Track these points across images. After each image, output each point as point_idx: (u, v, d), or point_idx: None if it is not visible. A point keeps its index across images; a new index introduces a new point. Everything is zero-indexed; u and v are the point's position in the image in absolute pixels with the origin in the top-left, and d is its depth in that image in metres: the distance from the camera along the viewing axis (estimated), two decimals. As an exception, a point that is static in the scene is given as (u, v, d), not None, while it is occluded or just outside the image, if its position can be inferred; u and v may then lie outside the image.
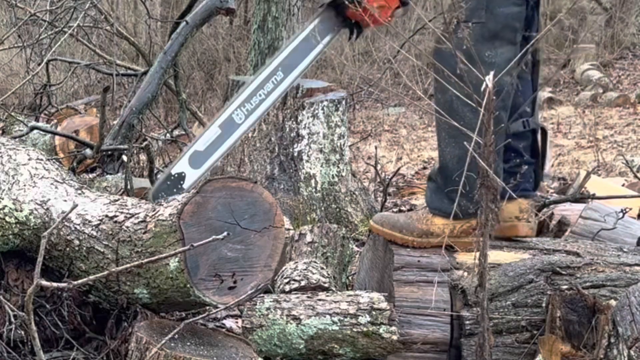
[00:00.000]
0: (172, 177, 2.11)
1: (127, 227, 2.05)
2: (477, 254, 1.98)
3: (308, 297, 2.28)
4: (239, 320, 2.26)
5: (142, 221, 2.01)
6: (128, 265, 1.88)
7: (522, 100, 2.45)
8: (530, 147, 2.53)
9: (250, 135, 4.28)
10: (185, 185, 2.11)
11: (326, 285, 2.57)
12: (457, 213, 2.41)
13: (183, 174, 2.09)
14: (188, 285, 1.86)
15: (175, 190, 2.11)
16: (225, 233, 1.78)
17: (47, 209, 2.40)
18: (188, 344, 1.84)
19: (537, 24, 2.49)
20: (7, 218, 2.31)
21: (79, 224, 2.29)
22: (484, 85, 1.86)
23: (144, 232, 1.97)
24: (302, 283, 2.56)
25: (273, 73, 2.28)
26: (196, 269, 1.86)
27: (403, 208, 4.78)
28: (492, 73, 1.87)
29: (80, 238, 2.26)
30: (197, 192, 1.90)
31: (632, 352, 1.73)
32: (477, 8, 2.33)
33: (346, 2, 2.37)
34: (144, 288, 2.03)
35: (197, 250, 1.83)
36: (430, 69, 2.38)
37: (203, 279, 1.87)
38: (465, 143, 2.36)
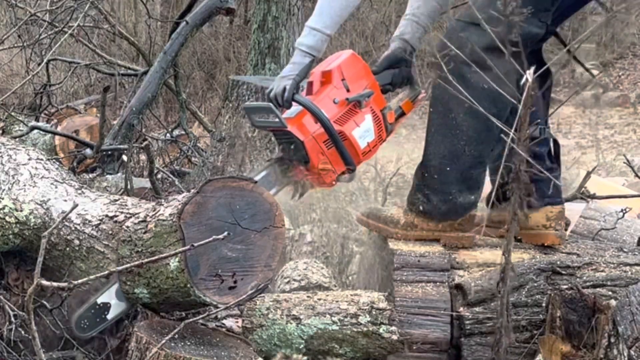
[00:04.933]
0: (97, 306, 2.13)
1: (128, 226, 2.05)
2: (502, 248, 1.98)
3: (308, 296, 2.28)
4: (239, 320, 2.26)
5: (142, 221, 2.01)
6: (128, 265, 1.88)
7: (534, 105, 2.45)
8: (549, 154, 2.53)
9: (250, 135, 4.28)
10: (110, 315, 2.14)
11: (326, 285, 2.57)
12: (429, 211, 2.43)
13: (108, 305, 2.12)
14: (188, 285, 1.86)
15: (98, 320, 2.14)
16: (225, 233, 1.78)
17: (47, 208, 2.41)
18: (188, 343, 1.84)
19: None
20: (7, 218, 2.31)
21: (79, 224, 2.29)
22: (523, 79, 1.85)
23: (145, 232, 1.97)
24: (302, 283, 2.56)
25: None
26: (196, 268, 1.86)
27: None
28: (532, 68, 1.86)
29: (81, 238, 2.26)
30: (197, 192, 1.90)
31: (632, 352, 1.73)
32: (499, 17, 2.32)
33: (292, 161, 2.39)
34: (144, 288, 2.03)
35: (197, 250, 1.83)
36: (432, 67, 2.38)
37: (203, 279, 1.87)
38: (451, 143, 2.38)
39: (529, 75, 1.83)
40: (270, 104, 2.34)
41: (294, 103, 2.37)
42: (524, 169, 1.89)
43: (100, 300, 2.13)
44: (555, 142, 2.56)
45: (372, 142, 2.45)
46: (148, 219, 1.99)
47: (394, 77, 2.53)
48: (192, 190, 1.95)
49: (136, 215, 2.07)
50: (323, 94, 2.39)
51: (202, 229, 1.88)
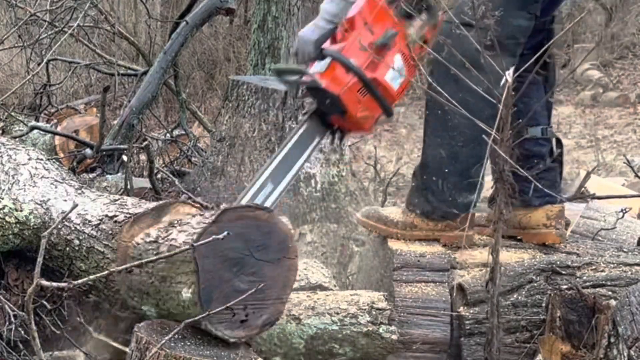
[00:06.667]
0: None
1: (138, 243, 2.03)
2: (490, 249, 1.99)
3: (308, 296, 2.28)
4: (239, 320, 2.25)
5: (154, 241, 1.98)
6: (128, 265, 1.88)
7: (534, 103, 2.45)
8: (550, 154, 2.53)
9: (250, 135, 4.28)
10: None
11: (326, 285, 2.57)
12: (429, 212, 2.44)
13: None
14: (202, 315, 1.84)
15: None
16: (225, 232, 1.78)
17: (47, 208, 2.41)
18: (188, 343, 1.84)
19: (551, 35, 2.49)
20: (7, 218, 2.31)
21: (79, 224, 2.29)
22: (503, 80, 1.86)
23: (156, 254, 1.94)
24: (302, 283, 2.56)
25: (263, 186, 2.29)
26: (209, 302, 1.84)
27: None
28: (512, 69, 1.86)
29: (80, 238, 2.26)
30: (213, 221, 1.87)
31: (632, 352, 1.73)
32: (487, 14, 2.32)
33: (329, 113, 2.38)
34: (152, 307, 2.01)
35: (211, 283, 1.81)
36: (430, 66, 2.38)
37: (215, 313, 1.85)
38: (449, 144, 2.38)
39: (508, 75, 1.84)
40: (300, 65, 2.32)
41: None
42: (508, 169, 1.90)
43: None
44: (559, 141, 2.56)
45: (404, 81, 2.40)
46: (160, 240, 1.96)
47: (412, 6, 2.49)
48: (208, 219, 1.91)
49: (147, 234, 2.04)
50: (349, 43, 2.34)
51: (216, 261, 1.85)
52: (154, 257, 1.83)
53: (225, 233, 1.77)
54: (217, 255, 1.85)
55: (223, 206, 1.93)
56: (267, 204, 2.25)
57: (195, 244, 1.80)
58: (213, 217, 1.87)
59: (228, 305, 1.82)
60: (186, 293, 1.84)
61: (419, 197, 2.46)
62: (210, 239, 1.82)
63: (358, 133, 2.49)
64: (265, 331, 1.98)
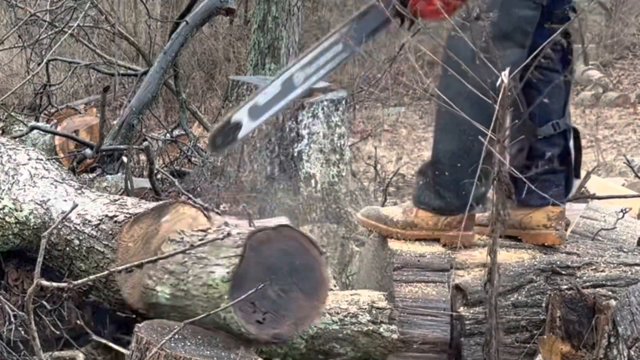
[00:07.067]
0: (230, 125, 2.15)
1: (184, 231, 2.05)
2: (487, 250, 1.99)
3: (308, 296, 2.28)
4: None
5: (202, 230, 2.02)
6: (128, 265, 1.88)
7: (552, 103, 2.43)
8: (561, 153, 2.52)
9: (250, 135, 4.29)
10: (240, 134, 2.16)
11: (326, 285, 2.57)
12: (443, 208, 2.43)
13: (240, 124, 2.13)
14: (225, 297, 1.86)
15: (230, 137, 2.15)
16: (226, 232, 1.79)
17: (47, 208, 2.41)
18: (188, 344, 1.84)
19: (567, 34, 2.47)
20: (7, 218, 2.31)
21: (79, 224, 2.29)
22: (499, 81, 1.85)
23: (200, 239, 1.97)
24: (302, 283, 2.56)
25: (335, 43, 2.33)
26: (239, 286, 1.87)
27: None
28: (508, 69, 1.86)
29: (80, 238, 2.27)
30: (274, 227, 1.91)
31: (632, 352, 1.73)
32: (491, 6, 2.31)
33: None
34: (167, 288, 2.01)
35: (246, 274, 1.86)
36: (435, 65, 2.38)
37: (239, 297, 1.88)
38: (460, 139, 2.38)
39: (504, 76, 1.84)
40: None
41: None
42: (505, 170, 1.89)
43: (233, 119, 2.13)
44: (575, 131, 2.54)
45: None
46: (210, 231, 2.00)
47: None
48: (270, 223, 1.96)
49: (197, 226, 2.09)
50: None
51: (259, 261, 1.89)
52: (155, 258, 1.84)
53: (226, 233, 1.79)
54: (261, 257, 1.89)
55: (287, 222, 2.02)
56: (335, 62, 2.31)
57: (194, 245, 1.82)
58: (275, 224, 1.94)
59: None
60: (221, 272, 1.86)
61: (430, 194, 2.46)
62: (210, 239, 1.84)
63: (433, 18, 2.42)
64: (271, 344, 2.00)
